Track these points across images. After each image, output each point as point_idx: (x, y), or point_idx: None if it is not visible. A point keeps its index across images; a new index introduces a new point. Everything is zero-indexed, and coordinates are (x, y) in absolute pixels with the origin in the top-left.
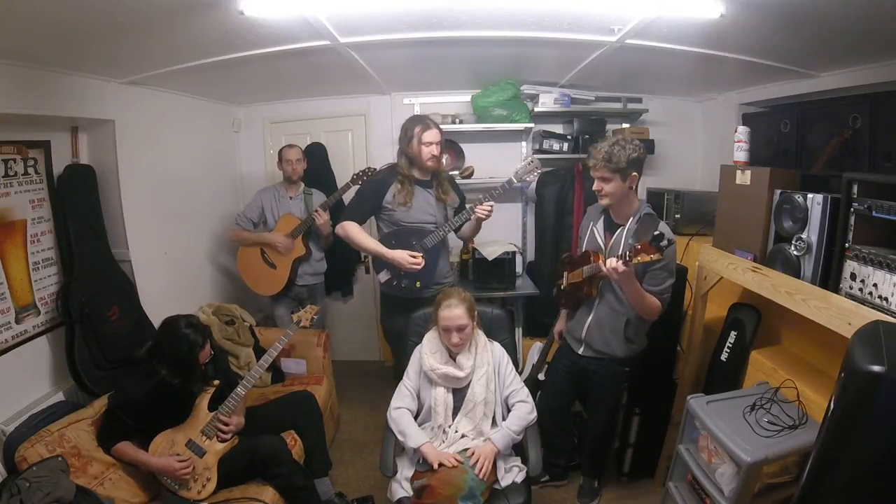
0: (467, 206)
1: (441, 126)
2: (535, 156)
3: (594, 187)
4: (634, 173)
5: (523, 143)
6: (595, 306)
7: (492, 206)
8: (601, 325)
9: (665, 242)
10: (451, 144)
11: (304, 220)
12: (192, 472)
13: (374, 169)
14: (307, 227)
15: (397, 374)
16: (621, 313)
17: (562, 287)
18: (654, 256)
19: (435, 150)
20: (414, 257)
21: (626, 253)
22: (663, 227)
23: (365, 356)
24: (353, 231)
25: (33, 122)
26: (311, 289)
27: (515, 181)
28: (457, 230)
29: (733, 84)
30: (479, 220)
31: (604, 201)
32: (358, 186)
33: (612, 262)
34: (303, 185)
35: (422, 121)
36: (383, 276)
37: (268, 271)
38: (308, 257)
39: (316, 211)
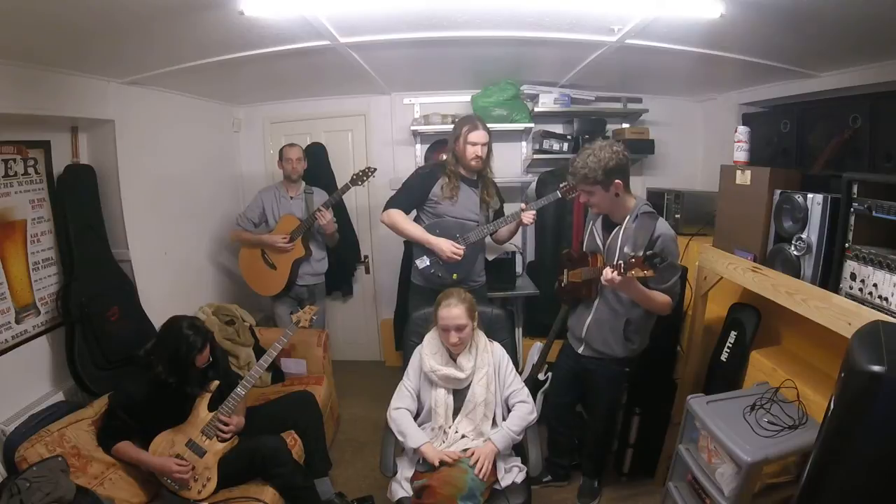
0: (512, 211)
1: (440, 126)
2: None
3: (581, 200)
4: (617, 180)
5: (523, 143)
6: (595, 306)
7: (535, 214)
8: (601, 325)
9: (658, 260)
10: None
11: (305, 221)
12: (192, 472)
13: (375, 169)
14: (308, 228)
15: None
16: (621, 313)
17: (562, 284)
18: (647, 273)
19: (480, 150)
20: (456, 247)
21: (620, 264)
22: (661, 225)
23: (365, 356)
24: (398, 218)
25: (33, 122)
26: (312, 289)
27: (560, 194)
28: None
29: (733, 84)
30: (519, 225)
31: (594, 210)
32: (357, 185)
33: (608, 274)
34: (303, 184)
35: (470, 121)
36: (421, 263)
37: (268, 272)
38: (308, 257)
39: (318, 210)
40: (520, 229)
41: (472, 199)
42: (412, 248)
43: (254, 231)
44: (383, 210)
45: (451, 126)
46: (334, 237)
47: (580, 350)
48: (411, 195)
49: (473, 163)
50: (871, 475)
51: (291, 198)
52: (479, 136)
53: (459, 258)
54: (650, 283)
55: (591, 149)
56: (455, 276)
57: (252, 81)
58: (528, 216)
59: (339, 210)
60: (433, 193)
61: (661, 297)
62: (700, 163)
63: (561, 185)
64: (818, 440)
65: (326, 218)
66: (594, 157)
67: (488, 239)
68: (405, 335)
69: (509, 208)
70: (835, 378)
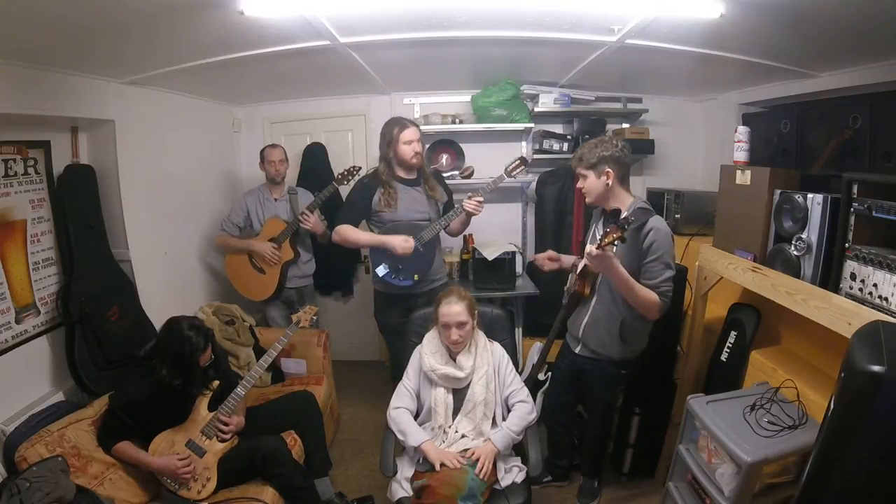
0: (456, 204)
1: (440, 126)
2: (526, 153)
3: (577, 185)
4: (608, 169)
5: (523, 143)
6: (591, 305)
7: (481, 201)
8: (597, 325)
9: (623, 221)
10: (451, 144)
11: (290, 224)
12: (193, 471)
13: (359, 168)
14: (294, 230)
15: (394, 370)
16: (616, 314)
17: (566, 289)
18: (616, 235)
19: (417, 146)
20: (405, 239)
21: (600, 239)
22: (654, 219)
23: (365, 356)
24: (347, 232)
25: (33, 122)
26: (301, 291)
27: (506, 176)
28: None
29: (733, 84)
30: (469, 216)
31: (587, 198)
32: (345, 187)
33: (587, 248)
34: (287, 185)
35: (398, 122)
36: (381, 270)
37: (257, 276)
38: (296, 260)
39: (303, 213)
40: (520, 229)
41: (416, 198)
42: (371, 256)
43: (239, 235)
44: (333, 229)
45: (452, 125)
46: (326, 235)
47: (577, 350)
48: (354, 209)
49: (415, 160)
50: (870, 475)
51: (275, 200)
52: (411, 133)
53: (411, 250)
54: (641, 279)
55: (596, 139)
56: (416, 276)
57: (252, 81)
58: (470, 204)
59: (334, 207)
60: (374, 204)
61: (647, 293)
62: (700, 163)
63: (507, 167)
64: (818, 440)
65: (311, 220)
66: (592, 144)
67: (486, 239)
68: (403, 333)
69: (509, 208)
70: (835, 378)
